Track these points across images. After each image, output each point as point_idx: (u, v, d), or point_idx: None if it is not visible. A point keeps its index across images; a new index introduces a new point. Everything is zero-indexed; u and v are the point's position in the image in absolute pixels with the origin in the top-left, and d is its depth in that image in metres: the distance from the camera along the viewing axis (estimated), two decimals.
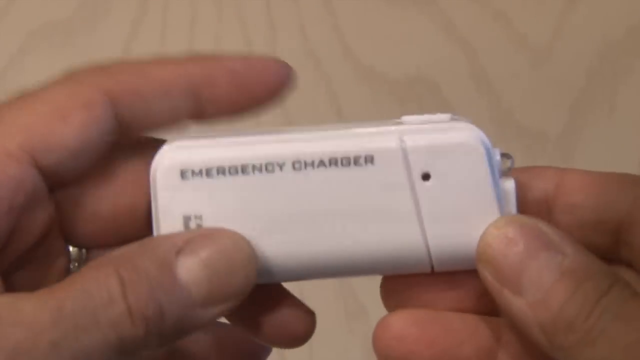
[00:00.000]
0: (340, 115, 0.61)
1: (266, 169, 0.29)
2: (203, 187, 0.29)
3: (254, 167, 0.29)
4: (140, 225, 0.31)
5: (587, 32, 0.62)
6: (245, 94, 0.31)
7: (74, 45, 0.63)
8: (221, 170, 0.29)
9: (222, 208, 0.30)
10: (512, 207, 0.30)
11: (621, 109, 0.61)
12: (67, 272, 0.32)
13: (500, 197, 0.30)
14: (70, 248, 0.32)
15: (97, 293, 0.27)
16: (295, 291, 0.33)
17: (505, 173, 0.31)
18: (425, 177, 0.29)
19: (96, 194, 0.31)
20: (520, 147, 0.60)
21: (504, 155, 0.31)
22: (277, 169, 0.29)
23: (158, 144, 0.31)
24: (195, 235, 0.29)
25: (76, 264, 0.32)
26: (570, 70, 0.61)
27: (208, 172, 0.29)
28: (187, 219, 0.30)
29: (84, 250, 0.32)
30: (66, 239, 0.32)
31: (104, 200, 0.31)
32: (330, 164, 0.29)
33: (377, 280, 0.33)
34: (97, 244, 0.32)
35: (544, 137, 0.60)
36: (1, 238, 0.28)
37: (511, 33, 0.62)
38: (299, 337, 0.33)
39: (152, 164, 0.30)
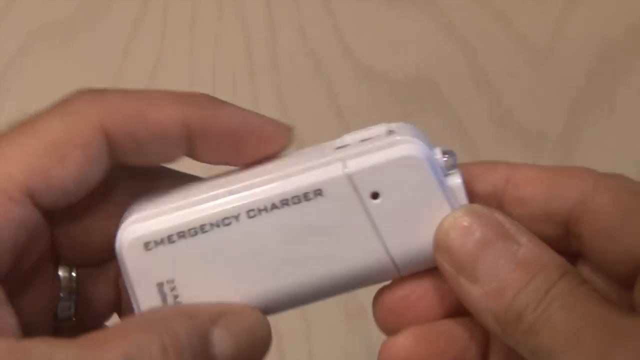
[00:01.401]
0: (341, 115, 0.61)
1: (223, 223, 0.30)
2: (168, 254, 0.30)
3: (211, 224, 0.30)
4: None
5: (587, 32, 0.62)
6: (236, 152, 0.32)
7: (74, 45, 0.63)
8: (181, 235, 0.30)
9: (191, 268, 0.31)
10: (463, 200, 0.31)
11: (621, 109, 0.61)
12: (57, 291, 0.33)
13: (449, 195, 0.31)
14: (60, 270, 0.33)
15: (138, 357, 0.27)
16: None
17: (451, 169, 0.31)
18: (375, 195, 0.30)
19: (88, 218, 0.32)
20: (520, 147, 0.60)
21: (447, 153, 0.32)
22: (233, 221, 0.30)
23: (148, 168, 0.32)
24: (226, 309, 0.30)
25: (70, 284, 0.33)
26: (570, 70, 0.61)
27: (170, 239, 0.30)
28: (160, 286, 0.31)
29: (73, 272, 0.33)
30: (57, 259, 0.32)
31: (96, 223, 0.32)
32: (282, 205, 0.30)
33: None
34: (88, 263, 0.33)
35: (544, 137, 0.60)
36: (6, 271, 0.29)
37: (511, 33, 0.62)
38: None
39: (115, 242, 0.31)
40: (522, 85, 0.61)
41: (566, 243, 0.31)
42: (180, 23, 0.63)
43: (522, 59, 0.62)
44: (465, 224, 0.30)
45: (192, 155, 0.32)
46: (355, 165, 0.31)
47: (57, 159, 0.30)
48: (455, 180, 0.31)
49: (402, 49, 0.62)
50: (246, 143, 0.32)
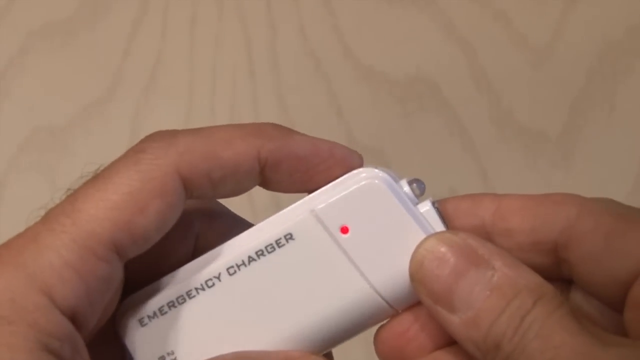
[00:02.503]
0: (341, 115, 0.61)
1: (207, 285, 0.31)
2: (163, 325, 0.32)
3: (196, 289, 0.31)
4: None
5: (587, 32, 0.62)
6: (308, 179, 0.32)
7: (74, 45, 0.63)
8: (171, 304, 0.32)
9: (186, 334, 0.32)
10: (438, 226, 0.31)
11: (621, 109, 0.61)
12: None
13: (421, 221, 0.31)
14: None
15: None
16: None
17: (419, 197, 0.32)
18: (344, 230, 0.31)
19: (158, 259, 0.32)
20: (520, 147, 0.60)
21: (413, 182, 0.32)
22: (216, 281, 0.31)
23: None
24: (289, 356, 0.31)
25: None
26: (570, 70, 0.61)
27: (161, 311, 0.32)
28: (162, 359, 0.32)
29: None
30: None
31: (164, 263, 0.33)
32: (258, 256, 0.31)
33: None
34: None
35: (544, 137, 0.60)
36: (93, 328, 0.30)
37: (511, 33, 0.62)
38: None
39: (115, 327, 0.32)
40: (522, 85, 0.61)
41: (557, 270, 0.32)
42: (180, 23, 0.63)
43: (522, 59, 0.62)
44: (437, 253, 0.30)
45: (265, 185, 0.33)
46: (319, 202, 0.31)
47: (138, 211, 0.30)
48: (426, 206, 0.31)
49: (402, 49, 0.62)
50: (317, 169, 0.32)
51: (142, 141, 0.32)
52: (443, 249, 0.30)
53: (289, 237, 0.31)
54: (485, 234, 0.32)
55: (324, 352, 0.32)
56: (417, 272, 0.30)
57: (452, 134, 0.61)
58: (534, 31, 0.62)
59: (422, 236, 0.31)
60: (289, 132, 0.32)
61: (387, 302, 0.31)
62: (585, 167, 0.59)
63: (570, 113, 0.61)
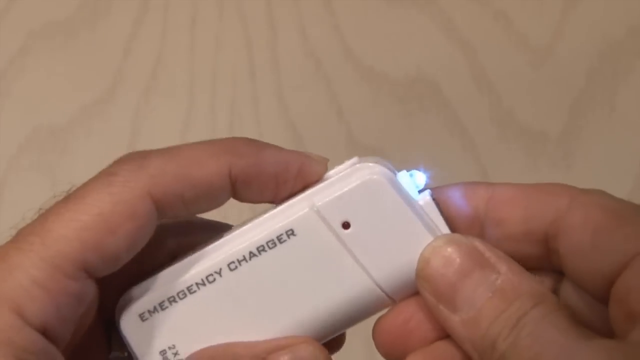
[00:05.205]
0: (341, 115, 0.61)
1: (208, 280, 0.32)
2: (164, 320, 0.32)
3: (197, 284, 0.32)
4: None
5: (587, 32, 0.62)
6: (278, 191, 0.32)
7: (74, 45, 0.63)
8: (172, 300, 0.32)
9: (187, 330, 0.32)
10: (436, 216, 0.32)
11: (621, 109, 0.61)
12: (105, 347, 0.34)
13: (421, 215, 0.31)
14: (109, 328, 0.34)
15: None
16: None
17: (421, 188, 0.32)
18: (346, 225, 0.31)
19: (132, 275, 0.33)
20: (520, 147, 0.60)
21: (413, 173, 0.32)
22: (217, 277, 0.32)
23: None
24: (274, 346, 0.31)
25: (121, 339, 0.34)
26: (570, 70, 0.61)
27: (162, 306, 0.32)
28: (163, 353, 0.32)
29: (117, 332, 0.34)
30: (104, 317, 0.33)
31: (139, 278, 0.33)
32: (260, 252, 0.31)
33: None
34: None
35: (544, 137, 0.60)
36: (67, 343, 0.31)
37: (511, 33, 0.62)
38: None
39: (117, 320, 0.32)
40: (523, 85, 0.61)
41: (549, 261, 0.32)
42: (180, 23, 0.63)
43: (522, 59, 0.62)
44: (445, 253, 0.31)
45: (236, 196, 0.33)
46: (319, 199, 0.31)
47: (108, 232, 0.30)
48: (425, 197, 0.32)
49: (402, 49, 0.62)
50: (286, 181, 0.32)
51: (115, 163, 0.32)
52: (450, 249, 0.31)
53: (290, 232, 0.31)
54: (479, 224, 0.32)
55: (323, 341, 0.32)
56: (423, 270, 0.31)
57: (453, 134, 0.61)
58: (534, 31, 0.62)
59: (422, 230, 0.31)
60: (260, 148, 0.33)
61: (388, 295, 0.32)
62: (585, 167, 0.59)
63: (570, 113, 0.61)
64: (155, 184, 0.31)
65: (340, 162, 0.33)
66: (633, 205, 0.31)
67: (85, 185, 0.31)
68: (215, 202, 0.32)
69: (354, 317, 0.32)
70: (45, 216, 0.31)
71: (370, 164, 0.32)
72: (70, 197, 0.31)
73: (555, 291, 0.33)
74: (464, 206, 0.32)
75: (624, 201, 0.31)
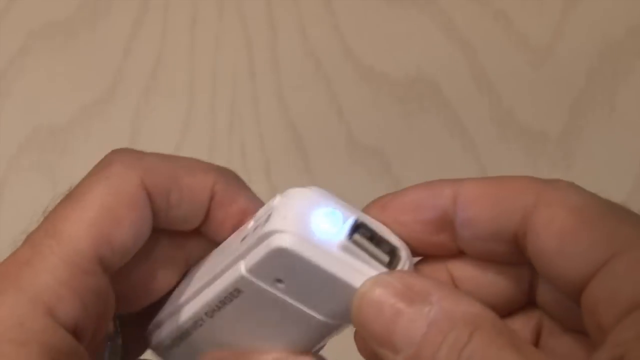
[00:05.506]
0: (341, 115, 0.61)
1: (199, 325, 0.34)
2: (181, 352, 0.35)
3: (193, 327, 0.34)
4: (167, 288, 0.35)
5: (587, 32, 0.62)
6: (232, 230, 0.34)
7: (74, 46, 0.63)
8: (182, 337, 0.34)
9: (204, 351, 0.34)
10: (362, 251, 0.31)
11: (621, 109, 0.61)
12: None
13: (339, 264, 0.31)
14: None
15: None
16: None
17: (349, 219, 0.31)
18: (279, 281, 0.31)
19: (135, 271, 0.34)
20: (520, 147, 0.60)
21: (331, 214, 0.31)
22: (203, 321, 0.34)
23: None
24: (284, 357, 0.32)
25: (117, 333, 0.35)
26: (570, 70, 0.61)
27: (174, 344, 0.35)
28: None
29: (117, 320, 0.35)
30: None
31: (142, 275, 0.34)
32: (224, 304, 0.33)
33: None
34: (128, 310, 0.35)
35: (544, 137, 0.60)
36: (90, 336, 0.32)
37: (511, 33, 0.62)
38: None
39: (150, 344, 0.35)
40: (522, 85, 0.61)
41: (522, 257, 0.31)
42: (180, 23, 0.63)
43: (522, 59, 0.62)
44: (374, 297, 0.30)
45: (203, 227, 0.34)
46: (247, 263, 0.32)
47: (114, 224, 0.31)
48: (341, 240, 0.31)
49: (402, 49, 0.62)
50: (241, 223, 0.34)
51: (108, 156, 0.33)
52: (378, 292, 0.30)
53: (237, 291, 0.32)
54: (449, 224, 0.31)
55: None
56: (356, 318, 0.30)
57: (453, 134, 0.60)
58: (534, 31, 0.62)
59: (343, 282, 0.30)
60: (244, 185, 0.34)
61: (343, 322, 0.32)
62: (585, 167, 0.59)
63: (570, 113, 0.61)
64: (148, 177, 0.32)
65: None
66: (600, 202, 0.30)
67: (84, 181, 0.32)
68: (191, 215, 0.33)
69: (323, 341, 0.33)
70: (53, 217, 0.32)
71: (280, 223, 0.31)
72: (72, 196, 0.32)
73: (532, 284, 0.32)
74: (431, 209, 0.32)
75: (593, 197, 0.30)
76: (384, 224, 0.32)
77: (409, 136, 0.61)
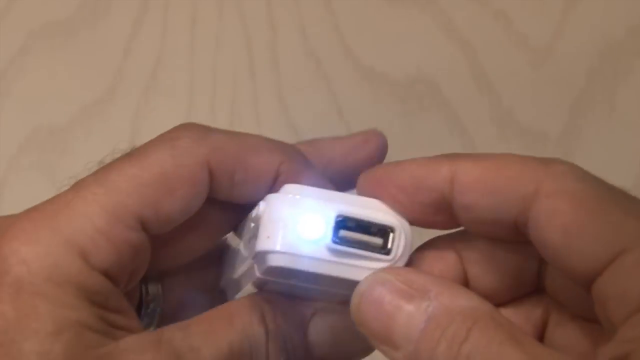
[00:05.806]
0: (341, 115, 0.61)
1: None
2: None
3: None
4: (204, 251, 0.35)
5: (587, 32, 0.62)
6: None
7: (74, 45, 0.63)
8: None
9: None
10: (351, 246, 0.31)
11: (621, 109, 0.61)
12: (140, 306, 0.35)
13: (333, 266, 0.31)
14: (150, 285, 0.35)
15: (250, 335, 0.32)
16: None
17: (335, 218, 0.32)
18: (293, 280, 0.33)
19: (181, 238, 0.34)
20: (520, 147, 0.60)
21: (311, 221, 0.32)
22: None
23: None
24: (325, 304, 0.33)
25: (159, 297, 0.35)
26: (570, 70, 0.61)
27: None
28: None
29: (159, 285, 0.35)
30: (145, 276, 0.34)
31: (187, 243, 0.34)
32: (260, 288, 0.34)
33: None
34: (169, 276, 0.35)
35: (544, 137, 0.60)
36: (121, 288, 0.32)
37: (511, 33, 0.62)
38: None
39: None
40: (522, 85, 0.61)
41: (522, 238, 0.30)
42: (180, 23, 0.63)
43: (522, 59, 0.62)
44: (372, 296, 0.30)
45: None
46: (257, 269, 0.33)
47: (167, 192, 0.32)
48: (328, 243, 0.31)
49: (402, 49, 0.62)
50: (347, 167, 0.35)
51: (177, 129, 0.33)
52: (377, 290, 0.30)
53: (263, 283, 0.33)
54: (447, 204, 0.31)
55: None
56: (356, 316, 0.30)
57: (453, 134, 0.60)
58: (534, 31, 0.62)
59: (341, 281, 0.31)
60: (309, 162, 0.34)
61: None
62: (585, 167, 0.59)
63: (570, 113, 0.61)
64: (214, 156, 0.32)
65: None
66: (601, 188, 0.30)
67: (148, 144, 0.33)
68: (255, 194, 0.33)
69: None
70: (107, 169, 0.32)
71: (265, 244, 0.31)
72: (134, 154, 0.32)
73: (541, 265, 0.32)
74: (429, 191, 0.31)
75: (593, 183, 0.30)
76: (378, 198, 0.32)
77: (409, 136, 0.61)
